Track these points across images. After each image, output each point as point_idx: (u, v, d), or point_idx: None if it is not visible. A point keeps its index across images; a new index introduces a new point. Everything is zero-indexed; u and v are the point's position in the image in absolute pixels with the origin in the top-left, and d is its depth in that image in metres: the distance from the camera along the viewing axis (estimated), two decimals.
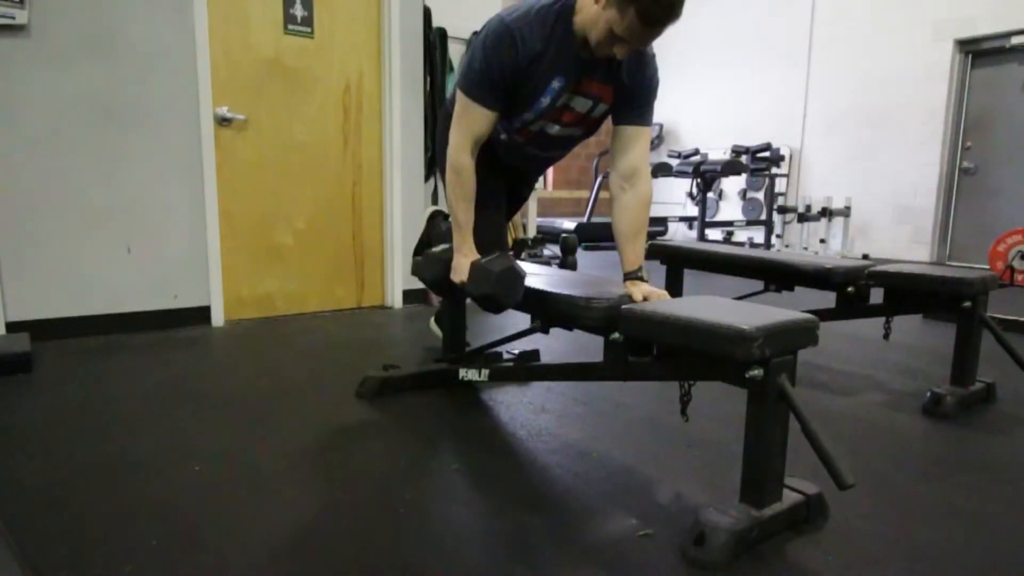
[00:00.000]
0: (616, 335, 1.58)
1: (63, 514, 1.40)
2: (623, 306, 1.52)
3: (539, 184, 5.23)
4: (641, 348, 1.56)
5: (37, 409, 2.03)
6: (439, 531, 1.37)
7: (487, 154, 2.03)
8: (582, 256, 6.31)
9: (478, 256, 1.87)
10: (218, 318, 3.21)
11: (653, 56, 1.85)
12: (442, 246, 2.08)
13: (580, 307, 1.63)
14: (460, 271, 1.88)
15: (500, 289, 1.74)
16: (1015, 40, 5.87)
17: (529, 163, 2.17)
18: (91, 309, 2.91)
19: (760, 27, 7.70)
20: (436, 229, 2.49)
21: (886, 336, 2.40)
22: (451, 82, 3.95)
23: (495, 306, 1.81)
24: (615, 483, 1.60)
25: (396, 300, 3.77)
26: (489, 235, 2.05)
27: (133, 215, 2.96)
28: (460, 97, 1.84)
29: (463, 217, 1.90)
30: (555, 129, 1.94)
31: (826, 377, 2.56)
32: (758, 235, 7.44)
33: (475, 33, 1.77)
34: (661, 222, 7.79)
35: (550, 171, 8.60)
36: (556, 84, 1.80)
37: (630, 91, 1.84)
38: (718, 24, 8.04)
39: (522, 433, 1.92)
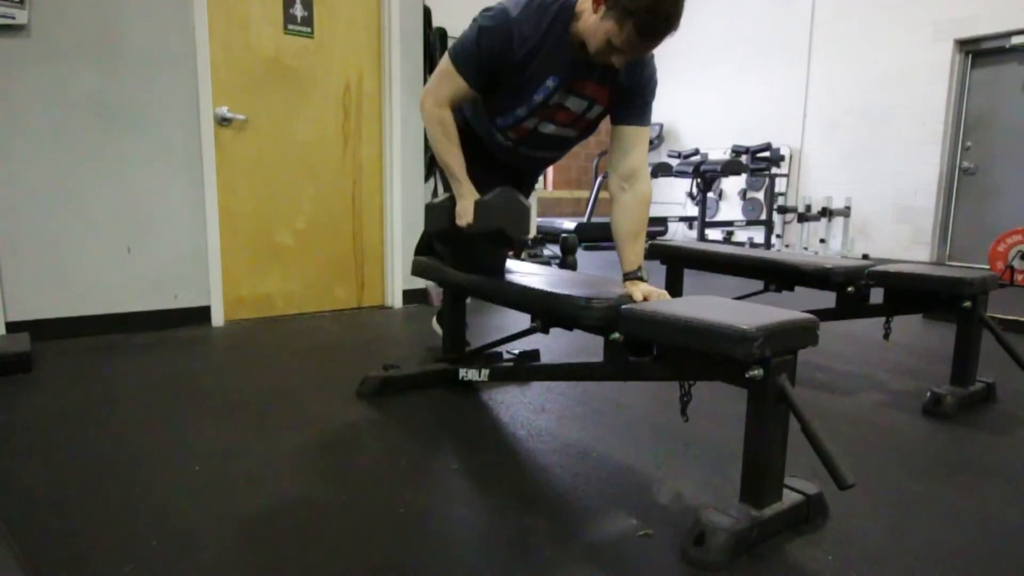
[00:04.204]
0: (616, 335, 1.58)
1: (63, 514, 1.40)
2: (623, 306, 1.52)
3: (539, 184, 5.23)
4: (641, 348, 1.56)
5: (37, 409, 2.03)
6: (439, 531, 1.37)
7: (481, 153, 2.03)
8: (582, 256, 6.31)
9: (479, 196, 1.87)
10: (218, 318, 3.21)
11: (652, 56, 1.85)
12: (443, 196, 2.02)
13: (580, 307, 1.63)
14: (465, 214, 1.86)
15: (508, 222, 1.72)
16: (1015, 40, 5.86)
17: (523, 163, 2.17)
18: (91, 309, 2.91)
19: (760, 27, 7.70)
20: None
21: (886, 336, 2.39)
22: None
23: (505, 241, 1.78)
24: (615, 483, 1.60)
25: (396, 300, 3.77)
26: None
27: (133, 215, 2.96)
28: (446, 59, 1.85)
29: (455, 163, 1.90)
30: (549, 128, 1.94)
31: (826, 377, 2.56)
32: (758, 235, 7.44)
33: (485, 10, 1.79)
34: (661, 222, 7.78)
35: (550, 171, 8.61)
36: (550, 83, 1.80)
37: (628, 92, 1.85)
38: (718, 24, 8.04)
39: (522, 433, 1.92)
